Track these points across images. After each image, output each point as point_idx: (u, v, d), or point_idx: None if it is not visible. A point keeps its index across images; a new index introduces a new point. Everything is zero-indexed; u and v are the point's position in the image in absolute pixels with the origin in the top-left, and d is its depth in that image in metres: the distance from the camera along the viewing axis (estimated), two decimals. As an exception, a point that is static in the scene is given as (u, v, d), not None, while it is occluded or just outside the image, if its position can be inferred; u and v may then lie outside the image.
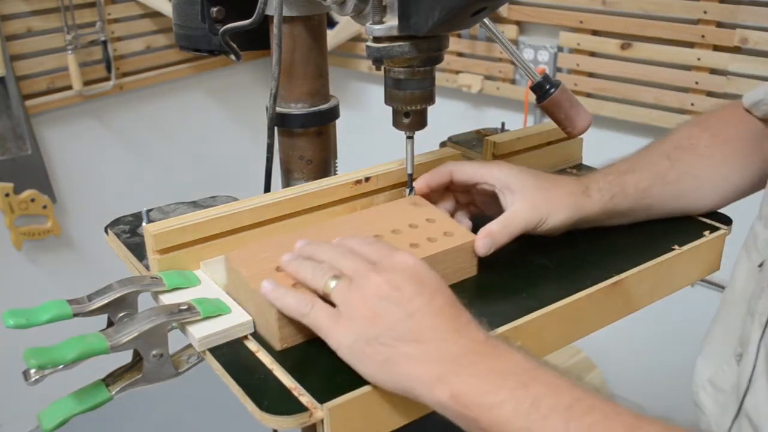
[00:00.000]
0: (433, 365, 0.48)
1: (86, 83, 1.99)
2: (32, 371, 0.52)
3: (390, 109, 0.67)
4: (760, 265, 0.67)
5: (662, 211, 0.75)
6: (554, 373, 0.48)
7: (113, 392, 0.58)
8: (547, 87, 0.75)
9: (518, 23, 1.87)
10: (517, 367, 0.48)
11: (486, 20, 0.69)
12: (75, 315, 0.58)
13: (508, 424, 0.45)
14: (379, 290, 0.51)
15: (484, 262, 0.68)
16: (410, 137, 0.67)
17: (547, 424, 0.44)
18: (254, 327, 0.59)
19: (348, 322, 0.51)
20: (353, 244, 0.58)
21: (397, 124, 0.67)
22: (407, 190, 0.70)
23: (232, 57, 0.73)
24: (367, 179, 0.72)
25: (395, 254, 0.55)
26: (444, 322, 0.50)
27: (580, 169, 0.91)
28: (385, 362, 0.49)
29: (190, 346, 0.59)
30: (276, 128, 0.74)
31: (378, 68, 0.62)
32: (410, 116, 0.66)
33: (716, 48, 1.58)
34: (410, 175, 0.69)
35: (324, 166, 0.77)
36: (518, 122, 1.92)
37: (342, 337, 0.51)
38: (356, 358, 0.51)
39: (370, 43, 0.60)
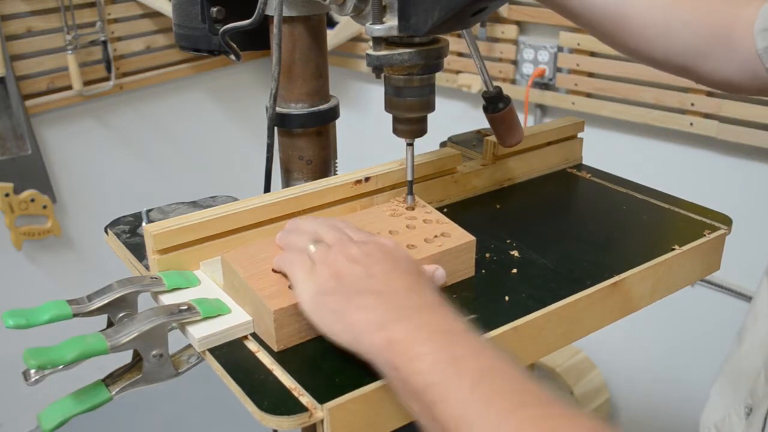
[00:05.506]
0: (379, 313, 0.50)
1: (86, 83, 1.99)
2: (32, 371, 0.52)
3: (390, 109, 0.67)
4: None
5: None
6: (490, 347, 0.47)
7: (113, 392, 0.58)
8: (500, 105, 0.77)
9: (518, 23, 1.86)
10: (454, 328, 0.48)
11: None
12: (75, 315, 0.58)
13: (423, 376, 0.45)
14: (351, 256, 0.55)
15: (483, 263, 0.68)
16: (410, 144, 0.67)
17: (459, 383, 0.44)
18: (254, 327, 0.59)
19: (316, 276, 0.54)
20: (336, 222, 0.62)
21: (396, 131, 0.67)
22: (408, 198, 0.70)
23: (232, 57, 0.73)
24: (367, 179, 0.72)
25: (377, 237, 0.59)
26: (401, 283, 0.53)
27: (579, 169, 0.91)
28: (337, 312, 0.52)
29: (190, 346, 0.59)
30: (276, 128, 0.74)
31: (378, 76, 0.62)
32: (410, 124, 0.66)
33: (716, 47, 1.58)
34: (410, 182, 0.69)
35: (324, 166, 0.77)
36: (518, 122, 1.91)
37: (306, 289, 0.54)
38: (312, 308, 0.53)
39: (370, 51, 0.60)
